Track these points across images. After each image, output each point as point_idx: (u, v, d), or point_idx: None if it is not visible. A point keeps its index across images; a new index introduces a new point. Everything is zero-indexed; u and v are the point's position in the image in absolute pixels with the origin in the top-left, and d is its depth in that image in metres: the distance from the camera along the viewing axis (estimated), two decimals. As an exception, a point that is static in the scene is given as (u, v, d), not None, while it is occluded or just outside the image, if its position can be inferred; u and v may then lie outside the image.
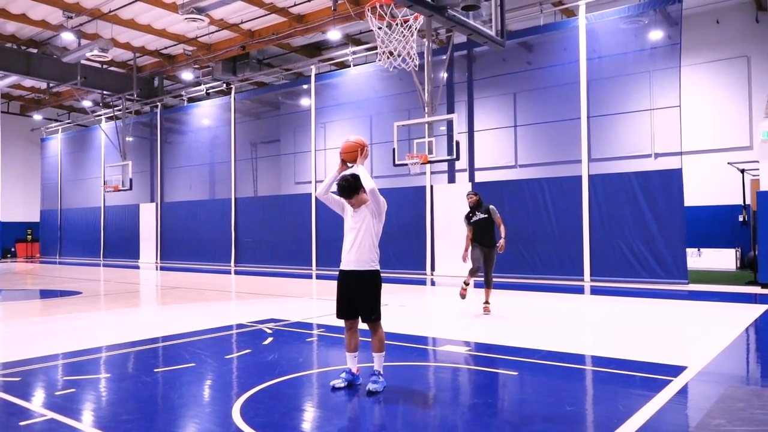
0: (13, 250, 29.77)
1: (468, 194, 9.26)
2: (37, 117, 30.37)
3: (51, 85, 24.11)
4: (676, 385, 4.90)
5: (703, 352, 6.16)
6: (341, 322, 5.07)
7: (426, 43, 14.59)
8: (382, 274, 5.00)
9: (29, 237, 30.50)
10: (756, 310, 9.03)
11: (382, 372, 4.88)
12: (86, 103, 26.70)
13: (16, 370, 5.65)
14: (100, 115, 26.46)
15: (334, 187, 4.95)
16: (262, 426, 3.98)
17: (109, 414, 4.33)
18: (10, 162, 29.32)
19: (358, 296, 4.85)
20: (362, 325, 4.96)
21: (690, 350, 6.53)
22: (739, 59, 17.24)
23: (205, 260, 21.83)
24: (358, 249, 4.82)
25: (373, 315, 4.84)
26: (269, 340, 7.07)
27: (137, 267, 22.19)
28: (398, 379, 5.19)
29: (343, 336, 6.84)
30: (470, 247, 8.95)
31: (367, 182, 4.71)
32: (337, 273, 5.02)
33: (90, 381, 5.29)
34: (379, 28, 5.81)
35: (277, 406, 4.51)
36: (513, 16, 15.47)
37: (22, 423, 4.11)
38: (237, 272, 18.89)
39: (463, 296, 8.90)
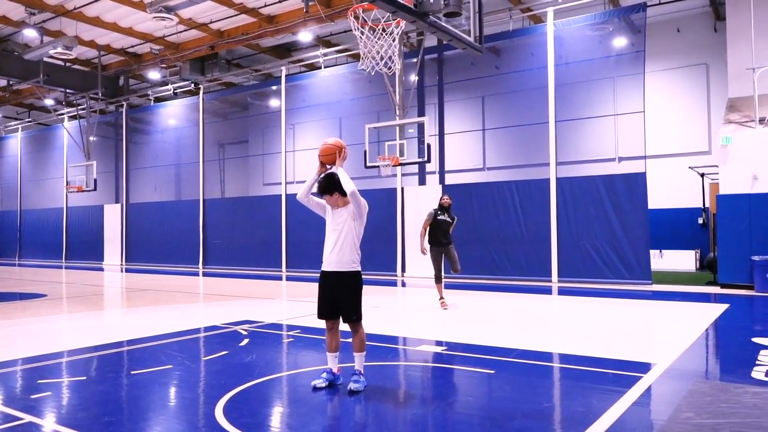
0: (-31, 252, 28.88)
1: (444, 195, 10.18)
2: (-4, 115, 29.53)
3: (11, 82, 23.43)
4: (646, 381, 5.09)
5: (670, 349, 6.39)
6: (317, 324, 5.14)
7: (398, 46, 14.70)
8: None
9: (-14, 239, 29.59)
10: (717, 309, 9.37)
11: (362, 372, 4.95)
12: (48, 102, 26.06)
13: (-12, 374, 5.54)
14: (63, 114, 25.88)
15: (314, 189, 5.01)
16: (246, 426, 4.01)
17: (90, 416, 4.29)
18: (-33, 161, 28.49)
19: (340, 297, 4.90)
20: (343, 326, 5.02)
21: (657, 348, 6.76)
22: (698, 67, 17.83)
23: (172, 262, 21.53)
24: (340, 250, 4.88)
25: (354, 315, 4.90)
26: (245, 341, 7.07)
27: (101, 269, 21.75)
28: (378, 378, 5.26)
29: (319, 337, 6.91)
30: (428, 250, 9.75)
31: (348, 185, 4.77)
32: (318, 274, 5.07)
33: (66, 384, 5.22)
34: (362, 33, 5.88)
35: (260, 407, 4.54)
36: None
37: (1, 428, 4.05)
38: (205, 274, 18.69)
39: (445, 308, 9.62)
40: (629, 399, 4.54)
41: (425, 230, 9.77)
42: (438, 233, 9.69)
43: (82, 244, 25.06)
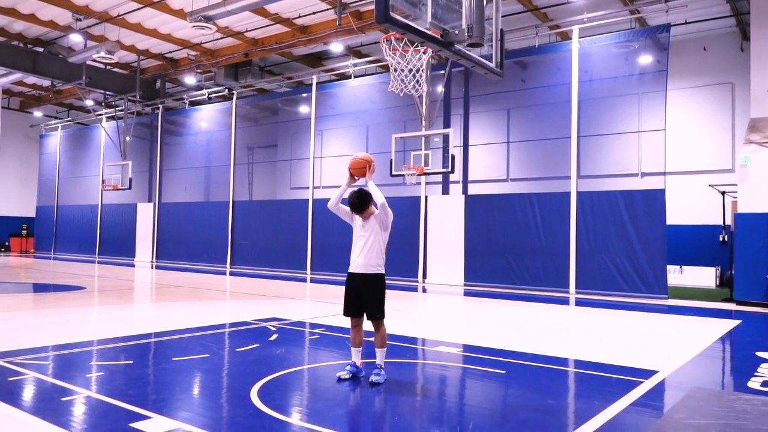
0: (7, 244, 30.03)
1: None
2: (37, 114, 30.69)
3: (55, 83, 24.48)
4: (646, 385, 5.46)
5: (675, 358, 6.74)
6: (340, 323, 5.63)
7: (425, 72, 15.21)
8: None
9: (24, 232, 30.73)
10: (728, 325, 9.64)
11: (383, 366, 5.41)
12: (88, 102, 27.08)
13: (45, 355, 6.13)
14: (101, 115, 26.86)
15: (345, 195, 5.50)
16: (279, 408, 4.50)
17: (141, 393, 4.83)
18: (7, 157, 29.72)
19: (365, 296, 5.38)
20: (366, 326, 5.48)
21: (663, 357, 7.10)
22: (723, 85, 18.00)
23: (201, 261, 22.23)
24: (367, 254, 5.36)
25: (378, 313, 5.37)
26: (274, 336, 7.58)
27: (133, 265, 22.56)
28: (397, 373, 5.72)
29: (342, 335, 7.41)
30: None
31: (378, 197, 5.27)
32: (342, 277, 5.55)
33: (115, 366, 5.77)
34: (392, 58, 6.38)
35: (291, 393, 5.03)
36: (510, 37, 16.10)
37: (63, 399, 4.60)
38: (233, 273, 19.34)
39: None
40: (628, 400, 4.93)
41: None
42: None
43: (114, 241, 25.97)
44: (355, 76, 19.30)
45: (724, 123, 18.03)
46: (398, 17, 4.22)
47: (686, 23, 16.62)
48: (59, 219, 29.16)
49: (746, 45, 17.27)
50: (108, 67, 23.43)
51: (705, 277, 17.47)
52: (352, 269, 5.45)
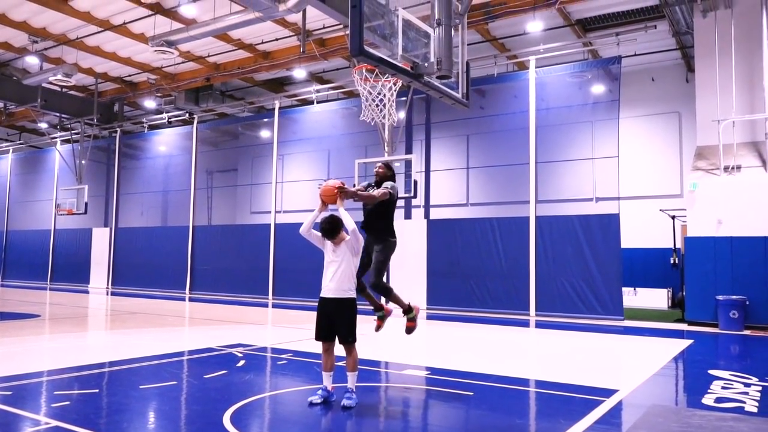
0: (-49, 271, 28.85)
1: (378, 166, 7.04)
2: (-13, 136, 29.83)
3: (8, 106, 23.88)
4: (608, 404, 5.67)
5: (633, 378, 6.99)
6: (307, 348, 5.68)
7: (395, 100, 15.49)
8: None
9: (-30, 258, 29.57)
10: (681, 344, 10.03)
11: (354, 390, 5.47)
12: (42, 125, 26.48)
13: (8, 385, 5.97)
14: (56, 138, 26.28)
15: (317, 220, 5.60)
16: (253, 433, 4.51)
17: (109, 422, 4.77)
18: (-45, 181, 28.73)
19: (337, 320, 5.46)
20: (337, 351, 5.55)
21: (622, 376, 7.36)
22: (671, 114, 18.88)
23: (159, 287, 21.80)
24: (339, 279, 5.46)
25: (350, 337, 5.45)
26: (242, 362, 7.54)
27: (87, 292, 21.96)
28: (368, 397, 5.78)
29: (310, 360, 7.44)
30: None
31: (349, 223, 5.40)
32: (308, 302, 5.64)
33: (81, 395, 5.67)
34: (363, 88, 6.56)
35: (263, 418, 5.04)
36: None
37: (31, 430, 4.51)
38: (192, 299, 19.03)
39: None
40: (593, 417, 5.12)
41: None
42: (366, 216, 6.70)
43: (68, 267, 25.23)
44: (317, 102, 19.47)
45: (672, 150, 18.87)
46: (372, 51, 4.40)
47: (636, 55, 17.40)
48: (8, 244, 28.20)
49: (691, 76, 18.20)
50: (64, 89, 23.00)
51: (658, 298, 18.07)
52: (324, 294, 5.53)
